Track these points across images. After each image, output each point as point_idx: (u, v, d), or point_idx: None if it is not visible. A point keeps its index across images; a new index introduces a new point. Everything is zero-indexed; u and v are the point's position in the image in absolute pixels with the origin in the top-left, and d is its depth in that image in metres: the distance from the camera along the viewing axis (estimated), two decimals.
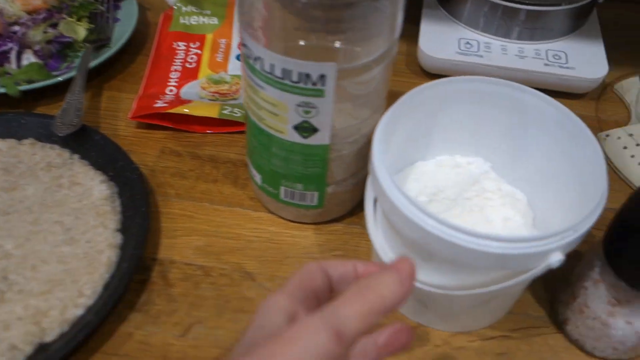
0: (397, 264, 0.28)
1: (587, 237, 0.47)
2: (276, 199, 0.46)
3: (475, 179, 0.46)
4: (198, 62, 0.61)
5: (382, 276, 0.27)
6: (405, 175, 0.46)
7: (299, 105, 0.38)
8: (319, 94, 0.37)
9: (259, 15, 0.35)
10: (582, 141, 0.40)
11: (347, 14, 0.34)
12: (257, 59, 0.37)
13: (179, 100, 0.57)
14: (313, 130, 0.39)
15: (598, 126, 0.58)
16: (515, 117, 0.43)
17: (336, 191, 0.45)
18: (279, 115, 0.39)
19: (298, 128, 0.39)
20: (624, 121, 0.59)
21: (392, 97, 0.42)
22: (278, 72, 0.36)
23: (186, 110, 0.54)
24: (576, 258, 0.43)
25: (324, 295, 0.29)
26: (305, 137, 0.40)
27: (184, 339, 0.42)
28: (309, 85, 0.36)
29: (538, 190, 0.44)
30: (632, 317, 0.38)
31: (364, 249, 0.47)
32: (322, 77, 0.35)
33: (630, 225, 0.36)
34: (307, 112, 0.38)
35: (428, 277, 0.37)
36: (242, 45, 0.38)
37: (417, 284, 0.37)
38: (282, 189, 0.45)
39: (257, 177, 0.47)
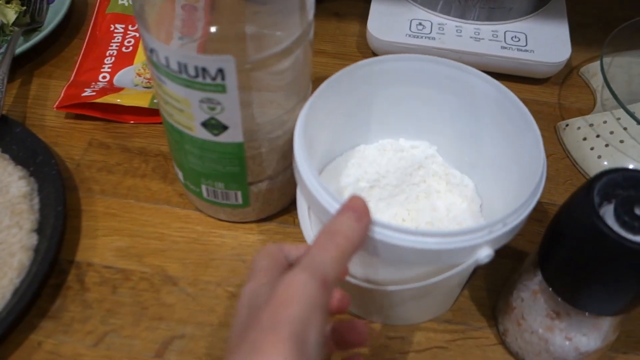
0: (350, 204, 0.29)
1: (531, 237, 0.44)
2: (200, 198, 0.43)
3: (420, 163, 0.43)
4: (135, 46, 0.58)
5: (342, 217, 0.28)
6: (344, 159, 0.43)
7: (202, 102, 0.34)
8: (220, 89, 0.33)
9: (145, 2, 0.32)
10: (523, 127, 0.37)
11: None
12: (152, 50, 0.33)
13: (111, 88, 0.53)
14: (222, 127, 0.36)
15: (559, 114, 0.55)
16: (458, 98, 0.40)
17: (262, 189, 0.42)
18: (184, 111, 0.36)
19: (206, 125, 0.36)
20: (589, 109, 0.55)
21: None
22: (174, 66, 0.33)
23: (118, 100, 0.51)
24: (520, 261, 0.40)
25: None
26: (215, 135, 0.37)
27: (96, 349, 0.39)
28: (208, 81, 0.33)
29: (486, 176, 0.42)
30: (572, 333, 0.35)
31: None
32: (221, 71, 0.32)
33: (559, 237, 0.33)
34: (212, 109, 0.35)
35: (362, 273, 0.36)
36: (140, 34, 0.35)
37: (349, 279, 0.36)
38: (204, 188, 0.42)
39: (180, 174, 0.44)
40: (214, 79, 0.32)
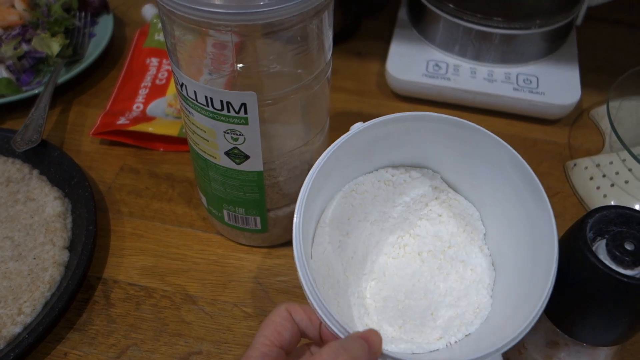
0: (368, 334, 0.29)
1: None
2: (221, 222, 0.46)
3: (425, 191, 0.44)
4: (168, 78, 0.62)
5: (356, 343, 0.29)
6: (351, 188, 0.43)
7: (226, 132, 0.37)
8: (243, 121, 0.36)
9: (177, 41, 0.35)
10: (538, 206, 0.37)
11: (269, 42, 0.34)
12: (182, 85, 0.36)
13: (144, 117, 0.57)
14: (244, 156, 0.39)
15: (569, 154, 0.57)
16: (463, 151, 0.41)
17: (280, 216, 0.45)
18: (209, 140, 0.39)
19: (229, 154, 0.39)
20: (597, 149, 0.57)
21: (360, 118, 0.39)
22: (202, 100, 0.36)
23: (150, 129, 0.55)
24: None
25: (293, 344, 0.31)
26: (237, 164, 0.40)
27: None
28: (232, 113, 0.36)
29: (489, 210, 0.42)
30: None
31: None
32: (244, 105, 0.35)
33: (557, 270, 0.34)
34: (235, 139, 0.38)
35: None
36: (172, 70, 0.38)
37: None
38: (226, 212, 0.45)
39: (203, 199, 0.47)
40: (237, 112, 0.36)
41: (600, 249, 0.32)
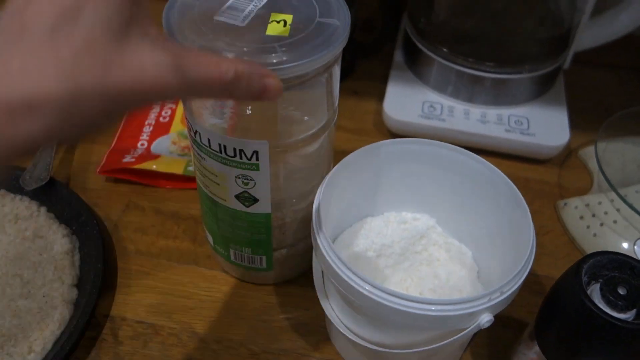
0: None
1: (531, 308, 0.48)
2: (228, 260, 0.48)
3: (422, 233, 0.47)
4: (172, 116, 0.63)
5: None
6: (354, 230, 0.47)
7: (237, 177, 0.39)
8: (255, 167, 0.38)
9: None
10: (514, 204, 0.41)
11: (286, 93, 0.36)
12: (196, 132, 0.38)
13: (148, 155, 0.59)
14: (254, 200, 0.41)
15: (559, 193, 0.59)
16: (457, 176, 0.45)
17: (284, 255, 0.46)
18: (220, 184, 0.41)
19: (239, 197, 0.41)
20: (586, 189, 0.59)
21: None
22: (215, 147, 0.38)
23: (154, 167, 0.56)
24: (521, 331, 0.43)
25: None
26: (247, 206, 0.41)
27: None
28: (244, 160, 0.38)
29: (482, 246, 0.46)
30: None
31: (314, 311, 0.48)
32: (256, 152, 0.37)
33: (553, 311, 0.36)
34: (245, 184, 0.39)
35: (371, 336, 0.39)
36: (186, 118, 0.40)
37: (361, 342, 0.39)
38: (232, 251, 0.46)
39: (210, 238, 0.48)
40: (249, 159, 0.37)
41: (595, 292, 0.34)
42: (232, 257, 0.47)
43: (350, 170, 0.43)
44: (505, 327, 0.47)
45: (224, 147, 0.38)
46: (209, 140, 0.38)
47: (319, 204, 0.39)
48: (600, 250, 0.36)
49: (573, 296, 0.34)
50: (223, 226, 0.45)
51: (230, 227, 0.44)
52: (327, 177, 0.41)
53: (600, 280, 0.34)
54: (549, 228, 0.55)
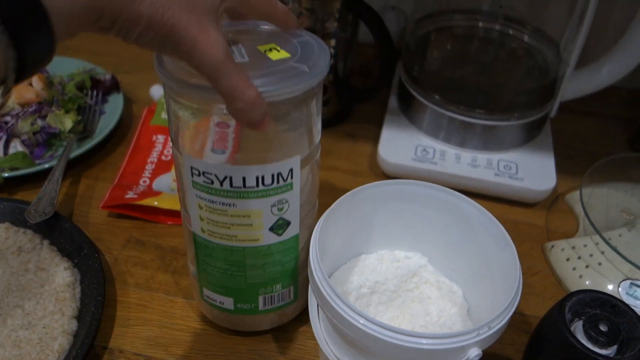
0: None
1: (520, 347, 0.49)
2: (254, 313, 0.47)
3: (414, 272, 0.49)
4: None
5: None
6: (349, 267, 0.49)
7: (273, 206, 0.40)
8: (290, 187, 0.40)
9: (223, 132, 0.38)
10: (503, 244, 0.43)
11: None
12: (224, 179, 0.39)
13: (150, 192, 0.60)
14: (287, 224, 0.42)
15: (546, 235, 0.61)
16: (448, 217, 0.47)
17: (305, 278, 0.47)
18: (252, 224, 0.41)
19: (274, 228, 0.41)
20: (572, 232, 0.61)
21: None
22: (251, 182, 0.38)
23: (155, 203, 0.58)
24: None
25: None
26: (280, 235, 0.42)
27: None
28: (281, 183, 0.39)
29: (472, 284, 0.47)
30: None
31: (308, 346, 0.49)
32: (291, 171, 0.39)
33: (538, 347, 0.38)
34: (280, 209, 0.41)
35: None
36: (198, 175, 0.39)
37: None
38: (261, 299, 0.46)
39: (228, 303, 0.46)
40: (285, 179, 0.39)
41: (578, 329, 0.36)
42: (261, 306, 0.46)
43: (345, 209, 0.45)
44: None
45: (262, 177, 0.38)
46: (244, 179, 0.38)
47: (316, 240, 0.41)
48: None
49: (557, 332, 0.36)
50: (253, 274, 0.44)
51: (262, 270, 0.44)
52: (325, 214, 0.43)
53: (583, 317, 0.36)
54: (537, 269, 0.57)
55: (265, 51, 0.38)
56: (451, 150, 0.65)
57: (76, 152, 0.63)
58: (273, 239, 0.42)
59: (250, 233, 0.42)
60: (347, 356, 0.41)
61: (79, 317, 0.49)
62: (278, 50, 0.38)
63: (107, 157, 0.67)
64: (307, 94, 0.38)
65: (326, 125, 0.73)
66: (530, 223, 0.62)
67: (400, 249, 0.50)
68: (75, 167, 0.65)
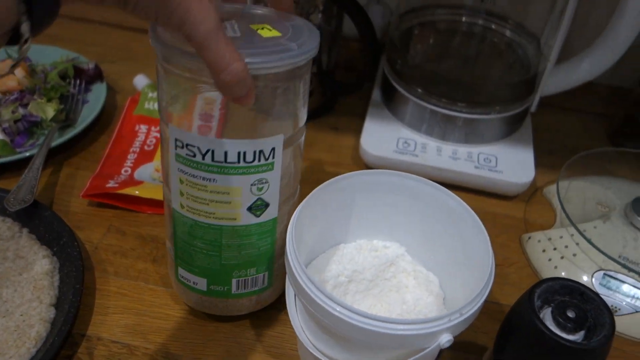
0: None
1: (494, 335, 0.50)
2: (227, 297, 0.47)
3: (392, 261, 0.50)
4: (156, 145, 0.66)
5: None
6: (327, 256, 0.49)
7: (253, 185, 0.40)
8: (270, 167, 0.40)
9: (210, 106, 0.38)
10: (476, 232, 0.43)
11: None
12: (207, 152, 0.39)
13: (131, 181, 0.60)
14: (265, 206, 0.42)
15: (524, 227, 0.62)
16: (425, 207, 0.48)
17: (280, 265, 0.47)
18: (231, 202, 0.41)
19: (252, 208, 0.42)
20: (550, 224, 0.62)
21: None
22: (232, 158, 0.39)
23: (136, 192, 0.58)
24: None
25: None
26: (258, 216, 0.42)
27: None
28: (262, 162, 0.39)
29: (448, 273, 0.48)
30: None
31: (287, 334, 0.50)
32: (273, 150, 0.39)
33: (509, 334, 0.39)
34: (260, 189, 0.41)
35: (338, 355, 0.41)
36: (182, 147, 0.39)
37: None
38: (234, 282, 0.46)
39: (201, 283, 0.47)
40: (267, 158, 0.39)
41: (547, 316, 0.36)
42: (234, 289, 0.47)
43: (324, 198, 0.46)
44: (468, 352, 0.49)
45: (244, 153, 0.39)
46: (225, 153, 0.39)
47: (293, 227, 0.42)
48: None
49: (526, 318, 0.36)
50: (228, 255, 0.44)
51: (237, 251, 0.44)
52: (303, 202, 0.44)
53: (552, 304, 0.37)
54: (514, 260, 0.58)
55: (257, 29, 0.38)
56: (432, 143, 0.65)
57: (58, 141, 0.63)
58: (251, 219, 0.43)
59: (228, 211, 0.42)
60: (322, 343, 0.42)
61: (57, 305, 0.49)
62: (270, 30, 0.39)
63: (89, 146, 0.67)
64: (294, 73, 0.38)
65: (310, 117, 0.72)
66: (509, 215, 0.63)
67: (379, 239, 0.51)
68: (57, 156, 0.65)
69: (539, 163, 0.65)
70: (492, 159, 0.64)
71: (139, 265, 0.54)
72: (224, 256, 0.45)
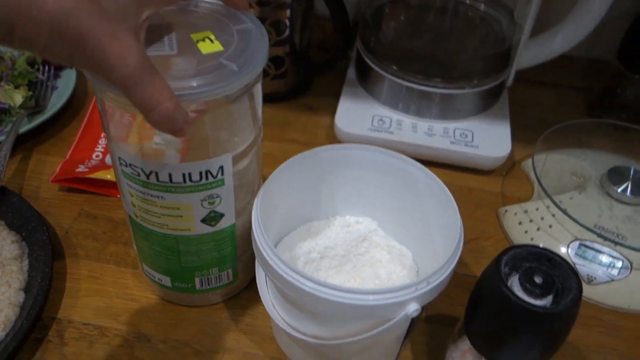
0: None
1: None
2: (192, 292, 0.47)
3: (364, 236, 0.49)
4: (128, 129, 0.64)
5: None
6: (298, 233, 0.49)
7: (203, 200, 0.40)
8: (220, 183, 0.39)
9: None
10: (446, 204, 0.43)
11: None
12: (150, 173, 0.38)
13: (103, 165, 0.60)
14: (220, 216, 0.41)
15: (502, 202, 0.62)
16: (396, 181, 0.47)
17: (246, 261, 0.48)
18: (183, 216, 0.40)
19: (206, 220, 0.41)
20: (527, 198, 0.62)
21: None
22: (177, 179, 0.38)
23: (107, 176, 0.57)
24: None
25: None
26: (213, 226, 0.42)
27: None
28: (211, 180, 0.38)
29: (421, 247, 0.48)
30: None
31: (259, 312, 0.49)
32: (221, 168, 0.38)
33: (478, 302, 0.38)
34: (212, 203, 0.40)
35: (310, 330, 0.40)
36: (125, 165, 0.39)
37: (301, 336, 0.40)
38: (198, 280, 0.46)
39: (165, 280, 0.47)
40: (215, 176, 0.38)
41: (515, 283, 0.36)
42: (198, 286, 0.46)
43: (291, 174, 0.45)
44: (443, 324, 0.48)
45: (189, 175, 0.38)
46: (170, 175, 0.38)
47: (258, 207, 0.41)
48: None
49: (493, 286, 0.36)
50: (187, 258, 0.44)
51: (196, 256, 0.44)
52: (267, 180, 0.43)
53: (520, 271, 0.36)
54: (491, 234, 0.57)
55: (197, 41, 0.36)
56: (408, 120, 0.65)
57: (27, 127, 0.61)
58: (205, 229, 0.42)
59: (181, 224, 0.41)
60: (294, 319, 0.41)
61: (27, 289, 0.49)
62: (212, 41, 0.36)
63: (59, 132, 0.65)
64: (238, 92, 0.37)
65: (284, 98, 0.72)
66: (486, 190, 0.63)
67: (351, 214, 0.50)
68: (27, 143, 0.63)
69: (516, 137, 0.65)
70: (468, 134, 0.63)
71: (110, 248, 0.53)
72: (184, 260, 0.44)
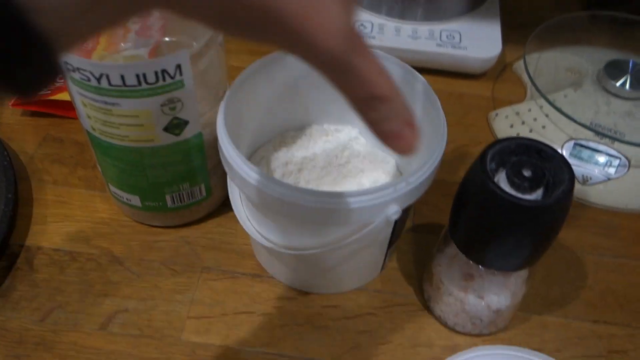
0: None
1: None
2: (164, 211, 0.45)
3: (345, 145, 0.46)
4: (95, 42, 0.60)
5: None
6: (273, 144, 0.46)
7: (163, 105, 0.36)
8: (180, 85, 0.36)
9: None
10: (429, 103, 0.40)
11: None
12: (100, 76, 0.34)
13: (66, 87, 0.56)
14: (184, 123, 0.38)
15: (493, 106, 0.58)
16: None
17: (220, 175, 0.45)
18: (143, 124, 0.37)
19: (169, 128, 0.38)
20: (520, 101, 0.58)
21: None
22: (131, 81, 0.34)
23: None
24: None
25: None
26: (178, 134, 0.39)
27: (42, 323, 0.41)
28: (169, 81, 0.35)
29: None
30: (483, 292, 0.38)
31: (237, 230, 0.47)
32: (179, 67, 0.35)
33: (463, 203, 0.36)
34: (173, 109, 0.37)
35: (289, 241, 0.38)
36: (73, 70, 0.35)
37: (279, 249, 0.38)
38: (169, 198, 0.43)
39: (135, 200, 0.44)
40: (173, 77, 0.35)
41: (502, 178, 0.33)
42: (170, 204, 0.44)
43: (258, 78, 0.41)
44: (430, 232, 0.46)
45: (144, 75, 0.34)
46: (122, 77, 0.34)
47: (223, 111, 0.38)
48: None
49: (479, 183, 0.33)
50: (154, 173, 0.41)
51: (163, 169, 0.41)
52: (233, 82, 0.39)
53: (508, 165, 0.33)
54: (481, 139, 0.54)
55: None
56: (390, 24, 0.60)
57: None
58: (170, 139, 0.39)
59: (142, 134, 0.38)
60: (271, 232, 0.39)
61: None
62: None
63: None
64: None
65: None
66: (477, 95, 0.59)
67: (329, 122, 0.47)
68: None
69: (508, 38, 0.60)
70: (455, 35, 0.59)
71: (78, 172, 0.50)
72: (150, 175, 0.41)
